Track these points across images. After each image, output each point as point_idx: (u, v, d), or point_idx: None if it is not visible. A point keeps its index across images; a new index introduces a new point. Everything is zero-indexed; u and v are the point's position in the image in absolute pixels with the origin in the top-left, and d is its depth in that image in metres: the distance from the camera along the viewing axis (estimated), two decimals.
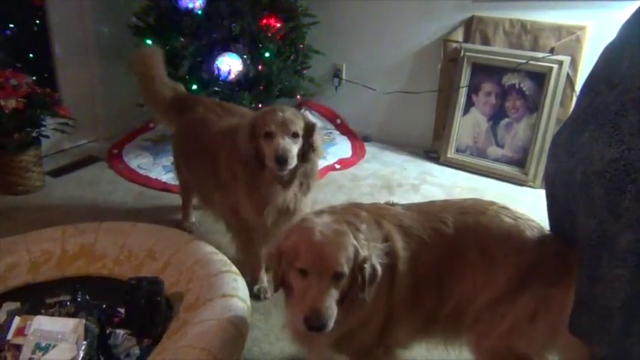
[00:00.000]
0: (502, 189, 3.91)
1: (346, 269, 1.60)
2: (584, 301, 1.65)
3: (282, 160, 2.31)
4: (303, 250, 1.62)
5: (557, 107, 3.86)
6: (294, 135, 2.37)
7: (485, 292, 1.82)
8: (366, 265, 1.64)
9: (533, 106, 3.97)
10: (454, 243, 1.82)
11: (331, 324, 1.56)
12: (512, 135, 4.10)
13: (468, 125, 4.28)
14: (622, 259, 1.49)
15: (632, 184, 1.44)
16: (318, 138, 2.49)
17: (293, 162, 2.35)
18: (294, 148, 2.36)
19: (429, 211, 1.90)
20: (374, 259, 1.68)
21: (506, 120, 4.12)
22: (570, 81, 3.83)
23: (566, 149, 1.63)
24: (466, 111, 4.27)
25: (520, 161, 4.06)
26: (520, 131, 4.06)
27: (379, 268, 1.67)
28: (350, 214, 1.78)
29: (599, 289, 1.58)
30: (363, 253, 1.65)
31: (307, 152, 2.46)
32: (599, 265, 1.56)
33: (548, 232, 1.87)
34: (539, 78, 3.92)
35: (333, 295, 1.59)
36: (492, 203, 1.94)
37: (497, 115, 4.15)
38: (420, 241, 1.82)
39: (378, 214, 1.84)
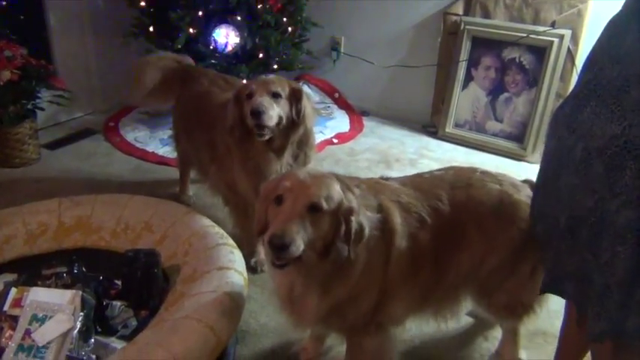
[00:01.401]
0: (500, 164, 3.90)
1: (324, 204, 1.56)
2: (579, 279, 1.66)
3: (256, 112, 2.30)
4: (283, 181, 1.61)
5: (557, 82, 3.84)
6: (275, 95, 2.37)
7: (487, 261, 1.91)
8: (353, 218, 1.61)
9: (533, 80, 3.94)
10: (451, 219, 1.86)
11: (295, 249, 1.50)
12: (511, 110, 4.08)
13: (467, 100, 4.25)
14: (621, 237, 1.49)
15: (632, 160, 1.43)
16: (307, 104, 2.48)
17: (270, 120, 2.33)
18: (273, 106, 2.34)
19: (424, 187, 1.90)
20: (362, 216, 1.65)
21: (505, 94, 4.09)
22: (571, 55, 3.80)
23: (567, 125, 1.61)
24: (465, 85, 4.24)
25: (518, 136, 4.05)
26: (519, 106, 4.03)
27: (367, 227, 1.65)
28: (349, 180, 1.77)
29: (597, 266, 1.58)
30: (351, 204, 1.63)
31: (296, 119, 2.44)
32: (598, 244, 1.55)
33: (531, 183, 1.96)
34: (540, 52, 3.88)
35: (306, 225, 1.53)
36: (473, 170, 2.01)
37: (496, 90, 4.12)
38: (419, 218, 1.82)
39: (377, 189, 1.83)
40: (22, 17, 4.25)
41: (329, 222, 1.59)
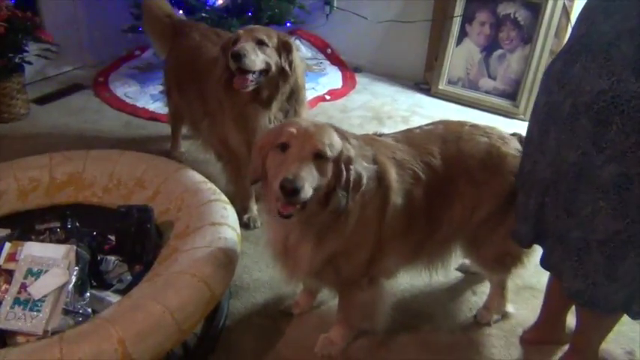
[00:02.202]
0: (492, 122, 3.86)
1: (328, 152, 1.58)
2: (557, 236, 1.70)
3: (236, 55, 2.28)
4: (287, 128, 1.61)
5: (552, 38, 3.81)
6: (260, 42, 2.35)
7: (476, 213, 1.95)
8: (352, 167, 1.64)
9: (528, 37, 3.91)
10: (443, 174, 1.88)
11: (304, 194, 1.51)
12: (504, 67, 4.05)
13: (460, 56, 4.21)
14: (604, 192, 1.52)
15: (619, 116, 1.45)
16: (296, 57, 2.46)
17: (252, 64, 2.31)
18: (256, 52, 2.33)
19: (416, 143, 1.91)
20: (360, 165, 1.68)
21: (499, 51, 4.06)
22: (566, 11, 3.76)
23: (557, 80, 1.62)
24: (459, 41, 4.20)
25: (512, 94, 4.03)
26: (513, 63, 4.01)
27: (365, 176, 1.67)
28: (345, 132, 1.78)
29: (575, 222, 1.62)
30: (349, 153, 1.65)
31: (288, 69, 2.42)
32: (576, 198, 1.59)
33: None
34: (535, 8, 3.84)
35: (313, 173, 1.55)
36: (462, 124, 2.03)
37: (490, 46, 4.09)
38: (413, 174, 1.84)
39: (372, 145, 1.84)
40: None
41: (332, 169, 1.61)
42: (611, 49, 1.46)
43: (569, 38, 1.68)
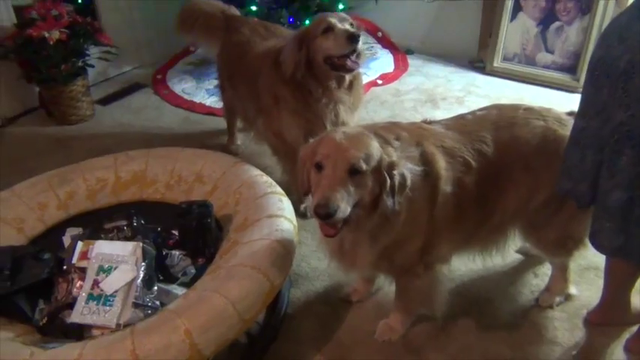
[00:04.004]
0: (551, 97, 3.77)
1: (363, 165, 1.58)
2: (601, 195, 1.69)
3: (355, 37, 2.30)
4: (321, 146, 1.63)
5: (613, 7, 3.63)
6: (352, 25, 2.38)
7: (534, 199, 1.91)
8: (395, 172, 1.63)
9: (586, 7, 3.75)
10: (496, 161, 1.85)
11: (341, 214, 1.55)
12: (563, 39, 3.91)
13: (515, 32, 4.09)
14: None
15: None
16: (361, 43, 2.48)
17: (360, 45, 2.34)
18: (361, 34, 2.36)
19: (467, 130, 1.89)
20: (403, 168, 1.66)
21: (557, 24, 3.91)
22: None
23: (619, 34, 1.57)
24: (514, 16, 4.07)
25: (571, 67, 3.90)
26: (572, 35, 3.86)
27: (409, 177, 1.67)
28: (388, 131, 1.78)
29: (617, 183, 1.61)
30: (391, 158, 1.64)
31: (361, 53, 2.44)
32: (621, 159, 1.57)
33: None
34: None
35: (348, 189, 1.56)
36: (516, 108, 1.97)
37: (547, 19, 3.95)
38: (464, 162, 1.82)
39: (420, 134, 1.83)
40: None
41: (371, 180, 1.62)
42: None
43: None
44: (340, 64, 2.37)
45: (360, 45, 2.35)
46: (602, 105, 1.62)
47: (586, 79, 1.72)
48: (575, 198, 1.80)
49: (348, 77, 2.45)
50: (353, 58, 2.36)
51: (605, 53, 1.60)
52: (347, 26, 2.35)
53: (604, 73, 1.59)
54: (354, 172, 1.58)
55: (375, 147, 1.63)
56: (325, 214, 1.53)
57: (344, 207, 1.55)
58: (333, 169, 1.57)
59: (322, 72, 2.42)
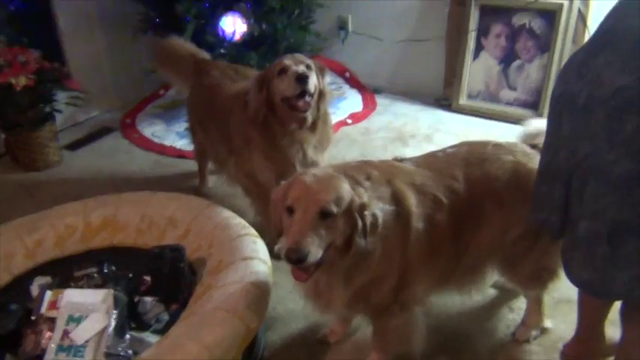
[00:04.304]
0: (516, 132, 3.81)
1: (334, 208, 1.57)
2: (570, 225, 1.71)
3: (303, 78, 2.33)
4: (292, 190, 1.63)
5: (570, 45, 3.79)
6: (307, 67, 2.41)
7: (509, 234, 1.93)
8: (367, 212, 1.63)
9: (545, 45, 3.89)
10: (468, 198, 1.87)
11: (313, 259, 1.54)
12: (524, 77, 4.04)
13: (478, 70, 4.22)
14: (615, 187, 1.52)
15: (635, 115, 1.43)
16: (326, 84, 2.53)
17: (312, 86, 2.37)
18: (311, 74, 2.38)
19: (438, 167, 1.92)
20: (374, 207, 1.67)
21: (517, 62, 4.05)
22: (582, 16, 3.75)
23: (577, 71, 1.61)
24: (476, 55, 4.21)
25: (534, 103, 4.02)
26: (532, 72, 3.99)
27: (380, 217, 1.67)
28: (358, 171, 1.79)
29: (585, 212, 1.62)
30: (362, 200, 1.65)
31: (323, 93, 2.48)
32: (587, 189, 1.59)
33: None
34: (550, 16, 3.83)
35: (319, 232, 1.56)
36: (485, 144, 2.02)
37: (508, 58, 4.08)
38: (434, 199, 1.84)
39: (390, 172, 1.85)
40: (31, 20, 4.30)
41: (343, 222, 1.62)
42: (639, 45, 1.45)
43: (595, 31, 1.66)
44: (294, 105, 2.41)
45: (312, 86, 2.37)
46: (564, 140, 1.67)
47: (548, 114, 1.78)
48: (549, 229, 1.83)
49: (310, 117, 2.48)
50: (307, 99, 2.38)
51: (564, 90, 1.66)
52: (300, 68, 2.38)
53: (565, 109, 1.64)
54: (324, 215, 1.58)
55: (345, 189, 1.63)
56: (296, 259, 1.53)
57: (315, 251, 1.55)
58: (304, 213, 1.57)
59: (283, 112, 2.45)
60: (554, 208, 1.77)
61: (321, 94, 2.48)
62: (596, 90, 1.51)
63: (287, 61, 2.41)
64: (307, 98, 2.38)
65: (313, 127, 2.51)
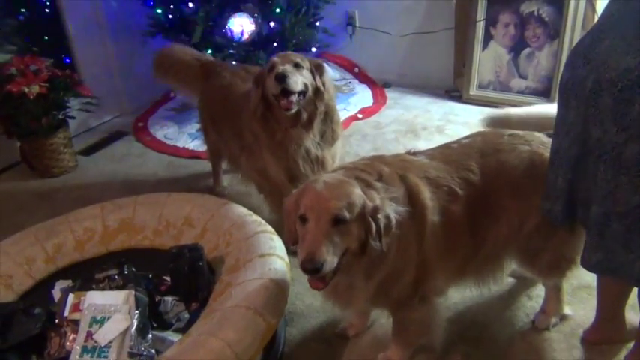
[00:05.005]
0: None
1: (346, 214, 1.57)
2: (585, 209, 1.71)
3: (280, 76, 2.34)
4: (304, 199, 1.63)
5: (580, 31, 3.76)
6: (296, 65, 2.42)
7: (526, 224, 1.92)
8: (380, 215, 1.63)
9: (554, 32, 3.87)
10: (484, 189, 1.87)
11: (329, 267, 1.55)
12: (534, 65, 4.02)
13: (488, 60, 4.20)
14: (626, 168, 1.53)
15: None
16: (327, 79, 2.53)
17: (295, 84, 2.38)
18: (295, 73, 2.40)
19: (452, 159, 1.91)
20: (388, 209, 1.66)
21: (527, 50, 4.03)
22: (590, 2, 3.72)
23: (583, 56, 1.62)
24: (485, 45, 4.19)
25: (545, 91, 3.99)
26: (543, 60, 3.97)
27: (394, 218, 1.66)
28: (370, 170, 1.78)
29: (596, 196, 1.63)
30: (374, 203, 1.64)
31: (320, 90, 2.48)
32: (599, 173, 1.60)
33: None
34: (558, 2, 3.81)
35: (334, 240, 1.56)
36: (501, 134, 2.00)
37: (517, 46, 4.06)
38: (449, 191, 1.83)
39: (403, 167, 1.85)
40: (42, 29, 4.35)
41: (357, 227, 1.62)
42: None
43: (600, 16, 1.68)
44: (279, 103, 2.43)
45: (295, 85, 2.37)
46: (570, 125, 1.67)
47: (557, 101, 1.78)
48: (554, 217, 1.83)
49: (304, 115, 2.48)
50: (291, 97, 2.39)
51: (571, 75, 1.66)
52: (285, 67, 2.39)
53: (572, 95, 1.64)
54: (337, 222, 1.57)
55: (356, 194, 1.63)
56: (312, 270, 1.53)
57: (331, 260, 1.55)
58: (317, 222, 1.57)
59: (277, 110, 2.47)
60: (559, 196, 1.77)
61: (318, 92, 2.48)
62: (603, 74, 1.52)
63: (276, 59, 2.45)
64: (292, 97, 2.39)
65: (309, 124, 2.50)
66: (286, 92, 2.38)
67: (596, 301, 2.03)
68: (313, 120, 2.51)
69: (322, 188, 1.62)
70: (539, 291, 2.34)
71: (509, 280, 2.45)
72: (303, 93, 2.43)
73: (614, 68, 1.49)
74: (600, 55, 1.54)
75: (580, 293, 2.34)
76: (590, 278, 2.33)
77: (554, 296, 2.19)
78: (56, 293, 2.17)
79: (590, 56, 1.58)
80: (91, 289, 2.05)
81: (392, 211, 1.68)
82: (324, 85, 2.49)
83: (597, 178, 1.60)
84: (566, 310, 2.21)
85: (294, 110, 2.42)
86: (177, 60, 3.26)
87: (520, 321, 2.25)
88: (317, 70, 2.49)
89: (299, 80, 2.40)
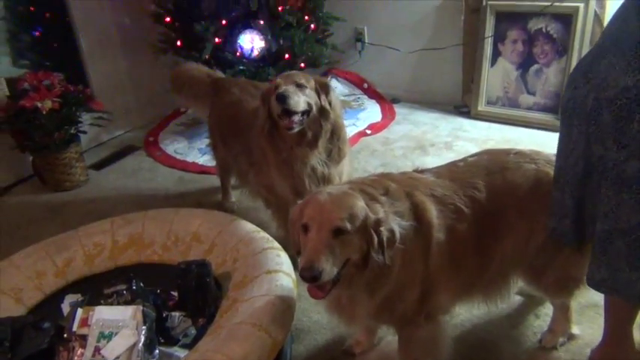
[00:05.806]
0: (537, 138, 3.85)
1: (348, 225, 1.59)
2: (585, 224, 1.72)
3: (281, 97, 2.37)
4: (307, 208, 1.65)
5: (587, 47, 3.76)
6: (299, 85, 2.44)
7: (532, 242, 1.92)
8: (382, 228, 1.64)
9: (562, 49, 3.88)
10: (490, 207, 1.87)
11: (327, 276, 1.56)
12: (542, 81, 4.02)
13: (496, 76, 4.21)
14: (627, 186, 1.53)
15: None
16: (334, 96, 2.55)
17: (296, 105, 2.40)
18: (298, 93, 2.42)
19: (459, 177, 1.92)
20: (392, 223, 1.67)
21: (535, 66, 4.04)
22: (598, 19, 3.72)
23: (583, 75, 1.64)
24: (494, 61, 4.20)
25: (553, 107, 3.98)
26: (551, 76, 3.98)
27: (397, 232, 1.67)
28: (376, 185, 1.80)
29: (599, 213, 1.63)
30: (377, 215, 1.65)
31: (325, 109, 2.50)
32: (601, 190, 1.60)
33: None
34: (566, 19, 3.82)
35: (334, 250, 1.57)
36: (507, 152, 2.01)
37: (525, 63, 4.07)
38: (455, 209, 1.84)
39: (410, 184, 1.86)
40: (55, 44, 4.43)
41: (358, 239, 1.63)
42: None
43: (601, 35, 1.70)
44: (281, 123, 2.45)
45: (296, 105, 2.39)
46: (574, 144, 1.68)
47: (560, 120, 1.79)
48: (561, 235, 1.83)
49: (309, 133, 2.50)
50: (294, 117, 2.41)
51: (573, 94, 1.67)
52: (288, 87, 2.41)
53: (574, 114, 1.66)
54: (338, 233, 1.59)
55: (359, 206, 1.64)
56: (310, 278, 1.55)
57: (329, 269, 1.56)
58: (318, 231, 1.59)
59: (282, 128, 2.49)
60: (566, 214, 1.77)
61: (323, 111, 2.49)
62: (602, 92, 1.54)
63: (280, 79, 2.48)
64: (294, 117, 2.41)
65: (314, 142, 2.52)
66: (288, 112, 2.40)
67: (604, 321, 2.01)
68: (318, 138, 2.52)
69: (325, 199, 1.65)
70: (547, 310, 2.33)
71: (517, 299, 2.44)
72: (307, 112, 2.45)
73: (614, 87, 1.50)
74: (600, 73, 1.56)
75: (588, 312, 2.32)
76: (599, 297, 2.31)
77: (561, 315, 2.18)
78: (65, 307, 2.19)
79: (590, 75, 1.60)
80: (100, 304, 2.06)
81: (396, 224, 1.69)
82: (330, 103, 2.50)
83: (601, 195, 1.61)
84: (574, 329, 2.20)
85: (295, 130, 2.44)
86: (190, 77, 3.32)
87: (527, 340, 2.24)
88: (322, 89, 2.50)
89: (301, 100, 2.41)
